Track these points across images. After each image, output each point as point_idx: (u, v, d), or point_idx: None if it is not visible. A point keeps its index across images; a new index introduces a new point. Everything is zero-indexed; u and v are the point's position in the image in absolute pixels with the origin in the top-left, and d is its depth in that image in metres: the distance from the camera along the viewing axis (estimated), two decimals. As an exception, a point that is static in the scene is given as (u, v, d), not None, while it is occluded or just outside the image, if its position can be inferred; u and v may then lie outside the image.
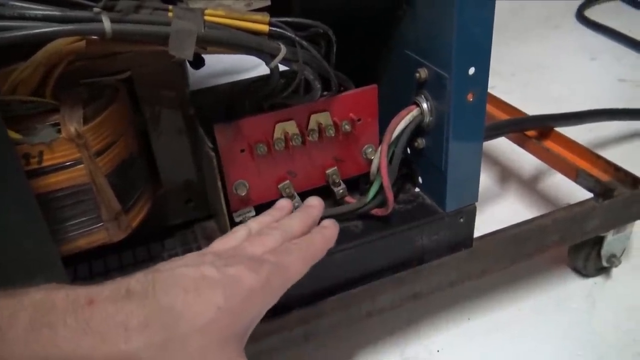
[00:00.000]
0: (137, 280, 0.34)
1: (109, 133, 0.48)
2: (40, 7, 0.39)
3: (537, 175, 0.97)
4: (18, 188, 0.41)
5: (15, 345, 0.29)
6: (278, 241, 0.42)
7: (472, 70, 0.52)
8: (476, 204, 0.61)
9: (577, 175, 0.77)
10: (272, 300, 0.38)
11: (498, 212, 0.89)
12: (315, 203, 0.49)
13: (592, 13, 1.63)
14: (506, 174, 0.99)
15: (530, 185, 0.96)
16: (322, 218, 0.59)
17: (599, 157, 0.76)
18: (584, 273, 0.77)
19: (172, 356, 0.31)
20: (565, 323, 0.71)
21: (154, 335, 0.31)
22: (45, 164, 0.45)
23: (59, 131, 0.45)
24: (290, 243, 0.43)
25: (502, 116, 0.90)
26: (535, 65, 1.38)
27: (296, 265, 0.41)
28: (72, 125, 0.45)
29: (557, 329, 0.70)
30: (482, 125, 0.56)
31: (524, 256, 0.66)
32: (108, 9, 0.40)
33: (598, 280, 0.77)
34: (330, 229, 0.47)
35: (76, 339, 0.30)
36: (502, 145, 0.98)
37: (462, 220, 0.61)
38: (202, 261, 0.37)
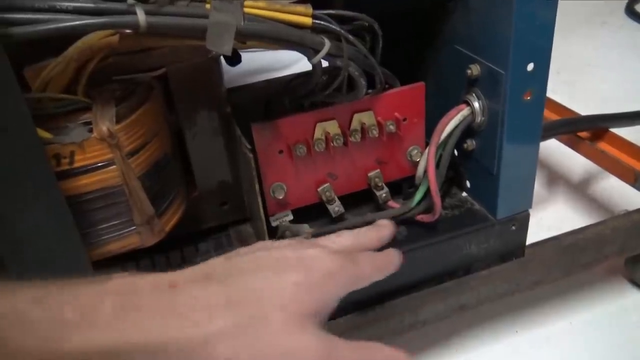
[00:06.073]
0: (217, 263, 0.36)
1: (142, 133, 0.46)
2: (71, -1, 0.37)
3: (589, 178, 0.92)
4: (48, 190, 0.39)
5: (101, 329, 0.29)
6: (352, 244, 0.43)
7: (530, 67, 0.48)
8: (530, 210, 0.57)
9: (635, 179, 0.72)
10: (343, 289, 0.38)
11: (546, 218, 0.85)
12: (386, 223, 0.47)
13: (643, 8, 1.55)
14: (555, 177, 0.94)
15: (581, 190, 0.91)
16: (365, 223, 0.56)
17: (660, 161, 0.71)
18: (642, 285, 0.72)
19: (256, 333, 0.32)
20: (621, 339, 0.67)
21: (237, 314, 0.32)
22: (76, 165, 0.43)
23: (91, 130, 0.43)
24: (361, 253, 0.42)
25: (552, 116, 0.85)
26: (582, 64, 1.32)
27: (367, 268, 0.40)
28: (105, 124, 0.43)
29: (612, 346, 0.66)
30: (539, 126, 0.52)
31: (580, 267, 0.62)
32: (142, 0, 0.38)
33: (658, 293, 0.72)
34: (392, 256, 0.45)
35: (162, 321, 0.31)
36: (551, 147, 0.93)
37: (514, 227, 0.57)
38: (281, 245, 0.39)
